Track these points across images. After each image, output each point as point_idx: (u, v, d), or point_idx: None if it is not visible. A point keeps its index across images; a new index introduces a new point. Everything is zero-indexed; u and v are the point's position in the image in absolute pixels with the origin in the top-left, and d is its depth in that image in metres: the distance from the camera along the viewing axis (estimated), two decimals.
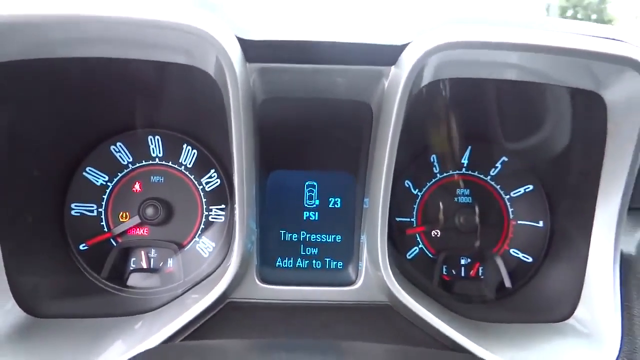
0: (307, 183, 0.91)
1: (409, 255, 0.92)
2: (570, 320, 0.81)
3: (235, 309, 0.78)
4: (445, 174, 0.93)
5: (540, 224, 0.91)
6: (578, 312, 0.80)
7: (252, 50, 0.66)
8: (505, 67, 0.72)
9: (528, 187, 0.92)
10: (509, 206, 0.93)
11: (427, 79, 0.69)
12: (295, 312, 0.80)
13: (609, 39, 0.67)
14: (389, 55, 0.67)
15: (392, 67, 0.68)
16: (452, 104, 0.85)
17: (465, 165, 0.94)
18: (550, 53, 0.63)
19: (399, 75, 0.66)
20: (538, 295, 0.88)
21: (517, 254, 0.91)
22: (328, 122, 0.80)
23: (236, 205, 0.72)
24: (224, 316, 0.77)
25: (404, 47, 0.66)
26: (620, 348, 0.73)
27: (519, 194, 0.93)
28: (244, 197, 0.71)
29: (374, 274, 0.79)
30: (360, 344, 0.68)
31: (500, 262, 0.89)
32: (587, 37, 0.66)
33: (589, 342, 0.76)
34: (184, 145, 0.92)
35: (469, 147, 0.93)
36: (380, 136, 0.72)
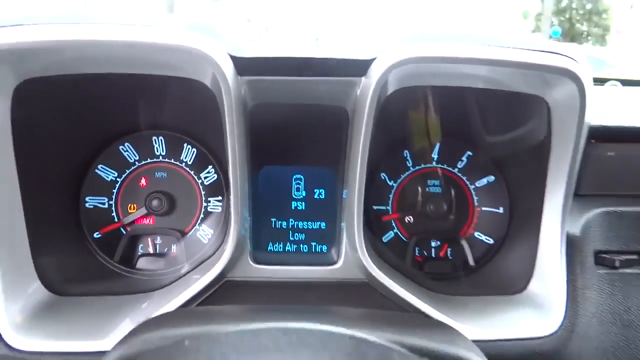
0: (294, 177, 1.01)
1: (385, 239, 1.03)
2: (525, 293, 0.91)
3: (231, 286, 0.89)
4: (417, 167, 1.04)
5: (501, 210, 1.02)
6: (531, 286, 0.91)
7: (242, 65, 0.77)
8: (461, 77, 0.83)
9: (490, 178, 1.03)
10: (473, 195, 1.04)
11: (392, 87, 0.81)
12: (284, 288, 0.90)
13: (550, 52, 0.77)
14: (360, 68, 0.78)
15: (363, 78, 0.79)
16: (421, 107, 0.96)
17: (435, 159, 1.04)
18: (493, 65, 0.74)
19: (368, 85, 0.77)
20: (498, 272, 0.98)
21: (481, 236, 1.03)
22: (311, 124, 0.90)
23: (231, 197, 0.83)
24: (222, 293, 0.88)
25: (371, 61, 0.77)
26: (565, 314, 0.84)
27: (482, 184, 1.03)
28: (237, 190, 0.82)
29: (352, 255, 0.90)
30: (338, 307, 0.79)
31: (465, 244, 1.00)
32: (531, 51, 0.77)
33: (540, 311, 0.86)
34: (185, 145, 1.01)
35: (438, 144, 1.04)
36: (354, 136, 0.83)
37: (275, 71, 0.78)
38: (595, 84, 1.34)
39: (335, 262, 0.93)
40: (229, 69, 0.73)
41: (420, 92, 0.89)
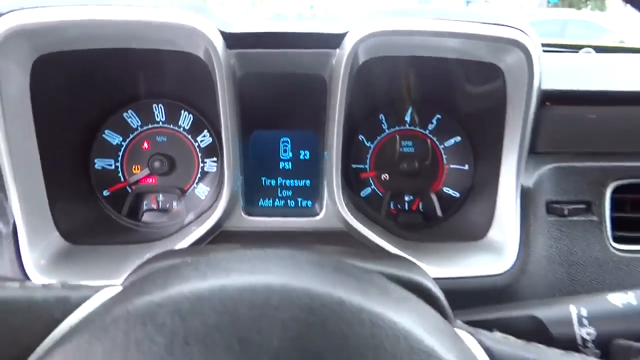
0: (282, 140, 1.12)
1: (363, 194, 1.14)
2: (485, 239, 1.02)
3: (226, 235, 1.01)
4: (392, 130, 1.15)
5: (466, 167, 1.13)
6: (490, 233, 1.02)
7: (231, 39, 0.87)
8: (426, 48, 0.94)
9: (457, 139, 1.14)
10: (443, 154, 1.15)
11: (363, 57, 0.91)
12: (272, 237, 1.03)
13: (500, 24, 0.88)
14: (334, 40, 0.89)
15: (337, 50, 0.90)
16: (394, 75, 1.06)
17: (408, 122, 1.16)
18: (446, 37, 0.85)
19: (341, 56, 0.88)
20: (462, 222, 1.10)
21: (449, 191, 1.14)
22: (295, 91, 1.00)
23: (224, 158, 0.95)
24: (217, 241, 1.00)
25: (344, 35, 0.88)
26: (518, 256, 0.95)
27: (450, 144, 1.15)
28: (230, 151, 0.94)
29: (332, 208, 1.01)
30: (318, 245, 0.91)
31: (434, 198, 1.12)
32: (482, 23, 0.87)
33: (496, 254, 0.97)
34: (182, 112, 1.12)
35: (410, 108, 1.14)
36: (332, 101, 0.94)
37: (260, 44, 0.89)
38: (571, 51, 1.44)
39: (317, 214, 1.04)
40: (219, 43, 0.84)
41: (392, 62, 1.00)
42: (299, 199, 1.11)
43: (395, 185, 1.14)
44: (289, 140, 1.11)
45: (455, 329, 0.49)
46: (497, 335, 0.51)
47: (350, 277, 0.44)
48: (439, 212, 1.11)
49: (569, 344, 0.60)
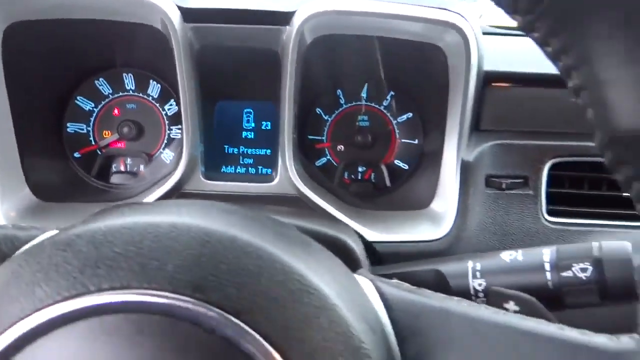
0: (245, 110, 1.20)
1: (318, 164, 1.22)
2: (428, 208, 1.09)
3: (186, 197, 1.09)
4: (349, 104, 1.22)
5: (416, 141, 1.21)
6: (433, 204, 1.09)
7: (187, 14, 0.94)
8: (372, 28, 1.01)
9: (409, 115, 1.21)
10: (395, 128, 1.21)
11: (312, 35, 0.98)
12: (229, 198, 1.10)
13: (440, 8, 0.95)
14: (284, 18, 0.96)
15: (287, 26, 0.97)
16: (347, 52, 1.13)
17: (364, 98, 1.23)
18: (387, 18, 0.92)
19: (290, 32, 0.95)
20: (409, 192, 1.17)
21: (399, 163, 1.21)
22: (253, 65, 1.07)
23: (183, 126, 1.02)
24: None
25: (293, 12, 0.95)
26: (454, 224, 1.02)
27: (402, 119, 1.21)
28: (188, 120, 1.01)
29: (286, 175, 1.09)
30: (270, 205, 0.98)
31: (385, 169, 1.19)
32: (422, 7, 0.94)
33: (436, 222, 1.04)
34: (150, 81, 1.18)
35: (366, 84, 1.21)
36: (284, 75, 1.01)
37: (215, 19, 0.96)
38: (523, 34, 1.50)
39: (273, 181, 1.12)
40: (175, 17, 0.91)
41: (345, 40, 1.06)
42: (260, 167, 1.19)
43: (349, 157, 1.21)
44: (251, 111, 1.18)
45: (355, 275, 0.56)
46: (393, 281, 0.58)
47: (254, 223, 0.52)
48: (387, 183, 1.19)
49: (464, 294, 0.69)
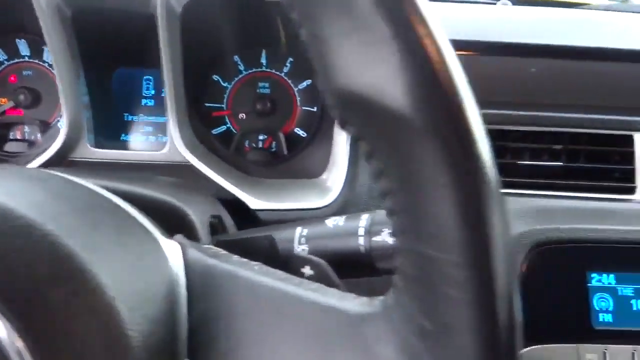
0: (144, 78, 1.19)
1: (215, 132, 1.21)
2: (319, 178, 1.11)
3: (71, 164, 1.08)
4: (249, 71, 1.21)
5: (315, 109, 1.20)
6: (324, 174, 1.11)
7: None
8: None
9: (309, 81, 1.20)
10: (297, 95, 1.21)
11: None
12: (119, 166, 1.10)
13: None
14: None
15: None
16: (242, 16, 1.12)
17: (264, 64, 1.21)
18: None
19: None
20: (305, 161, 1.17)
21: (299, 131, 1.21)
22: (136, 30, 1.05)
23: (60, 93, 1.01)
24: (63, 170, 1.08)
25: None
26: (340, 193, 1.03)
27: (303, 86, 1.20)
28: (64, 87, 1.00)
29: (174, 143, 1.08)
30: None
31: (282, 137, 1.18)
32: None
33: (324, 191, 1.04)
34: (44, 48, 1.18)
35: (264, 50, 1.20)
36: (161, 40, 0.99)
37: None
38: (489, 3, 1.47)
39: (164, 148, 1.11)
40: None
41: (236, 2, 1.04)
42: (159, 136, 1.19)
43: (250, 125, 1.20)
44: (151, 78, 1.17)
45: (170, 240, 0.56)
46: (205, 247, 0.58)
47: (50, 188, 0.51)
48: (284, 151, 1.18)
49: (289, 258, 0.69)
